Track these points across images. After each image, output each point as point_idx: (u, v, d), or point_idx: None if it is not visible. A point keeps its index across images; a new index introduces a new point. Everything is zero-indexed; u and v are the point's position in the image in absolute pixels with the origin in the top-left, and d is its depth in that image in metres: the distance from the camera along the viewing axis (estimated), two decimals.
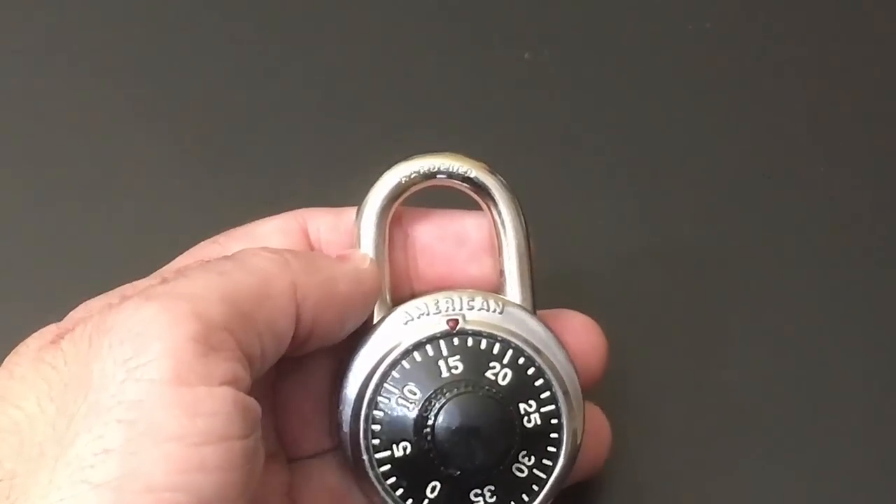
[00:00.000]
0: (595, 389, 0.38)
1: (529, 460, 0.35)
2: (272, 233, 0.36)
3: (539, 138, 0.47)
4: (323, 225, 0.37)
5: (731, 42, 0.49)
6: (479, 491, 0.35)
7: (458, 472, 0.35)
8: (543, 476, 0.35)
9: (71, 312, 0.34)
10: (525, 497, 0.35)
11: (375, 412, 0.35)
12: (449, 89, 0.47)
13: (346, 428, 0.35)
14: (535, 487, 0.36)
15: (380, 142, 0.45)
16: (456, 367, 0.35)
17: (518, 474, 0.35)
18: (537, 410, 0.35)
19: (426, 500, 0.35)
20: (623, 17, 0.49)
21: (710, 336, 0.44)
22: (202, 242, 0.37)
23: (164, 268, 0.36)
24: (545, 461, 0.35)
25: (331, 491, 0.37)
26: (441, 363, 0.35)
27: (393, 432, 0.35)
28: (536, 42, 0.48)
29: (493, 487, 0.35)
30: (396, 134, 0.46)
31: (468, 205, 0.38)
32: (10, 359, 0.32)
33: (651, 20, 0.49)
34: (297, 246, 0.36)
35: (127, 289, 0.34)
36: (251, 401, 0.31)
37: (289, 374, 0.36)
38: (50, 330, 0.33)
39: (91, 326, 0.30)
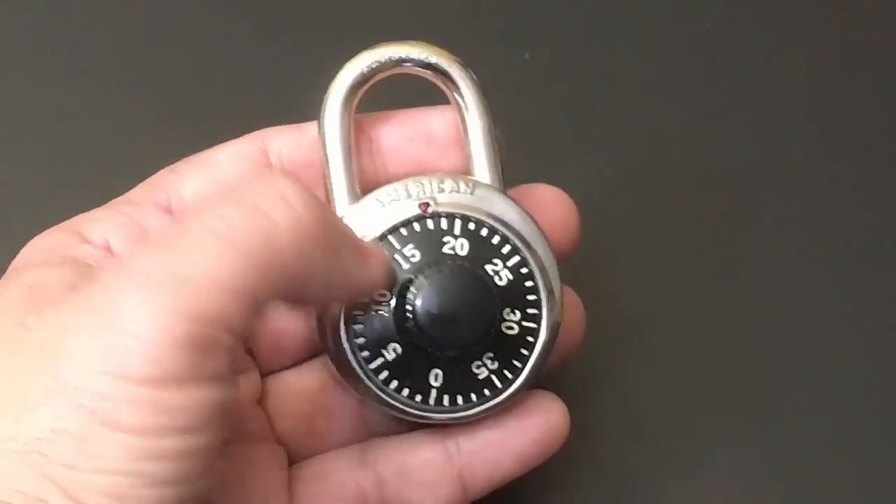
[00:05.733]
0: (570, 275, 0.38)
1: (515, 315, 0.35)
2: (231, 158, 0.36)
3: (539, 138, 0.47)
4: (284, 145, 0.36)
5: (731, 42, 0.49)
6: (479, 362, 0.35)
7: (454, 353, 0.35)
8: (534, 325, 0.35)
9: (25, 252, 0.34)
10: (524, 351, 0.35)
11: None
12: None
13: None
14: (529, 339, 0.36)
15: None
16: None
17: (509, 332, 0.35)
18: (504, 267, 0.35)
19: (433, 390, 0.35)
20: (623, 17, 0.49)
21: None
22: (160, 171, 0.36)
23: (122, 198, 0.36)
24: (529, 310, 0.35)
25: (303, 398, 0.37)
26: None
27: (377, 340, 0.35)
28: (536, 42, 0.48)
29: (491, 354, 0.35)
30: None
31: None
32: None
33: (651, 20, 0.49)
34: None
35: (80, 223, 0.35)
36: (228, 395, 0.29)
37: None
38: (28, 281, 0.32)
39: (80, 299, 0.29)
